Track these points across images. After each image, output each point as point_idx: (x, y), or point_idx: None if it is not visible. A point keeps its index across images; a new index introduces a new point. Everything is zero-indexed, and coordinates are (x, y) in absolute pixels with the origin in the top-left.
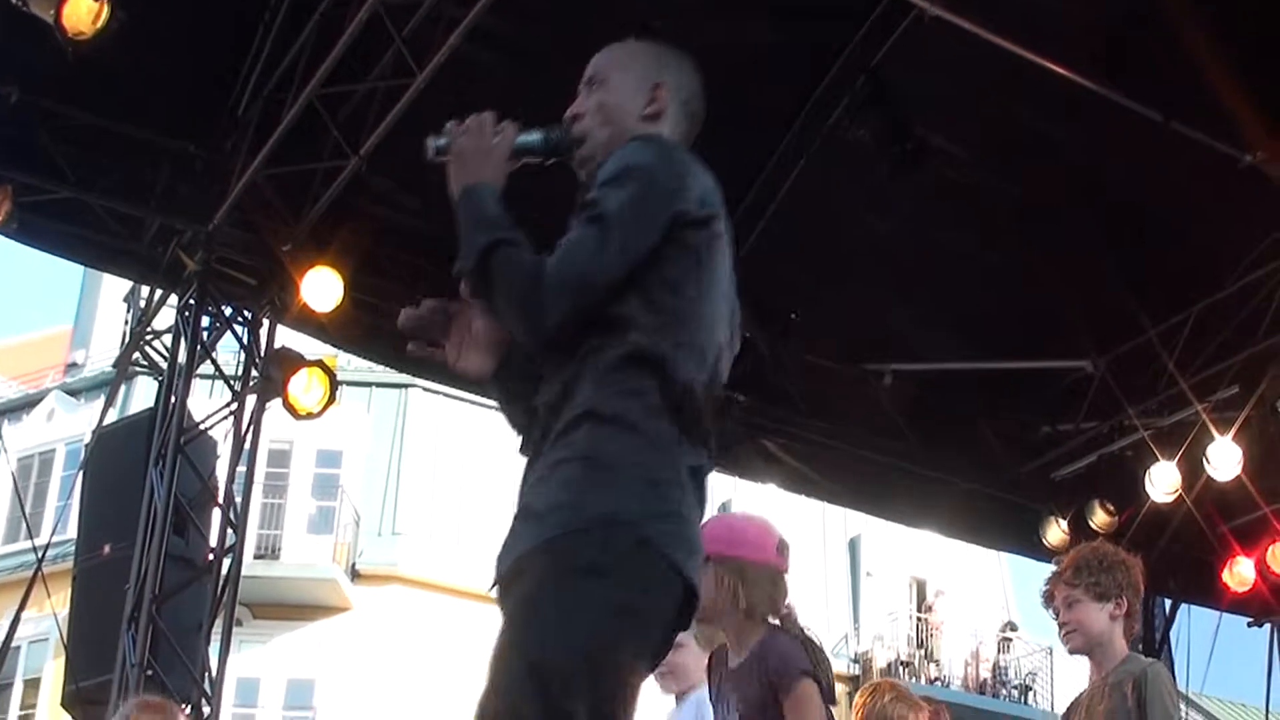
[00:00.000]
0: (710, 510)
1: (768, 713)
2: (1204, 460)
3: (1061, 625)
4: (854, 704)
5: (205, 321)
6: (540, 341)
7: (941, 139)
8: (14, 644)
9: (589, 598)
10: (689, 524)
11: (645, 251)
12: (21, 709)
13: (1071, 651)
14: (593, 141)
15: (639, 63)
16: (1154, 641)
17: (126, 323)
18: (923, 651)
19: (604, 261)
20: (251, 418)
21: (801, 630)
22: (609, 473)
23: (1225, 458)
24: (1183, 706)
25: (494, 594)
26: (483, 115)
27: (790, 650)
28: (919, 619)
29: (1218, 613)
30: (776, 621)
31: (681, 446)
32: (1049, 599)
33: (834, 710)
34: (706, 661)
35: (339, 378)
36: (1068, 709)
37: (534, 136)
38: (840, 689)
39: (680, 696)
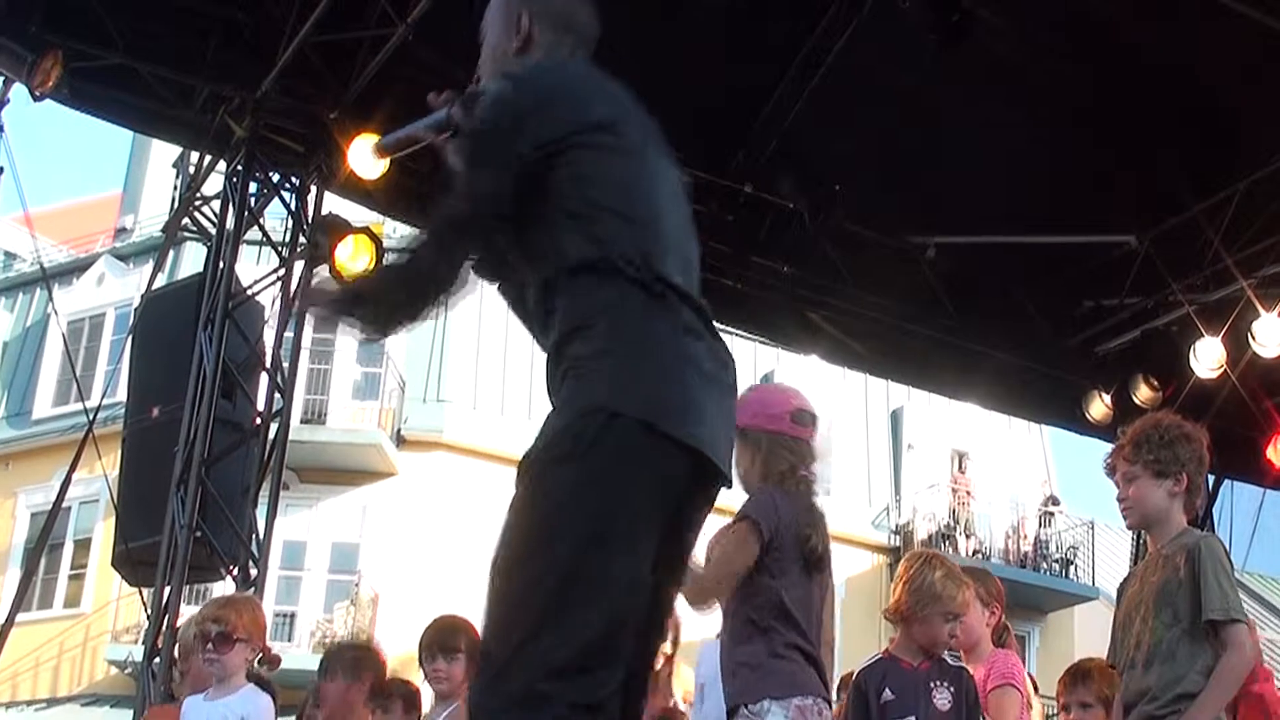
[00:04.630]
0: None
1: None
2: (1249, 336)
3: (1120, 500)
4: (898, 571)
5: (253, 188)
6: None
7: (987, 11)
8: (65, 505)
9: (560, 482)
10: (677, 386)
11: (516, 161)
12: (72, 569)
13: (1129, 527)
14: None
15: (508, 2)
16: (1197, 519)
17: (175, 188)
18: (962, 524)
19: (466, 191)
20: (298, 283)
21: (809, 493)
22: (588, 372)
23: (1271, 333)
24: None
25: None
26: None
27: (759, 498)
28: (960, 491)
29: (1261, 489)
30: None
31: (655, 312)
32: (1111, 470)
33: (815, 574)
34: None
35: (385, 244)
36: (1123, 581)
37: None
38: (880, 560)
39: None
